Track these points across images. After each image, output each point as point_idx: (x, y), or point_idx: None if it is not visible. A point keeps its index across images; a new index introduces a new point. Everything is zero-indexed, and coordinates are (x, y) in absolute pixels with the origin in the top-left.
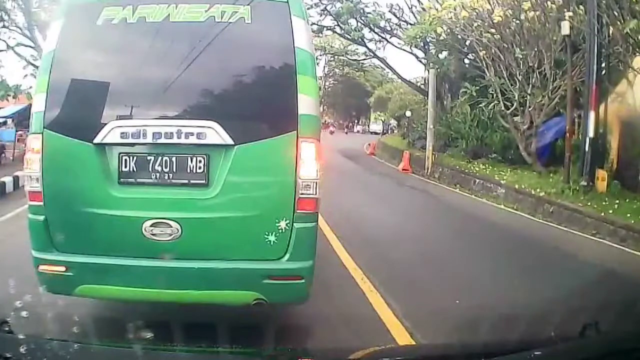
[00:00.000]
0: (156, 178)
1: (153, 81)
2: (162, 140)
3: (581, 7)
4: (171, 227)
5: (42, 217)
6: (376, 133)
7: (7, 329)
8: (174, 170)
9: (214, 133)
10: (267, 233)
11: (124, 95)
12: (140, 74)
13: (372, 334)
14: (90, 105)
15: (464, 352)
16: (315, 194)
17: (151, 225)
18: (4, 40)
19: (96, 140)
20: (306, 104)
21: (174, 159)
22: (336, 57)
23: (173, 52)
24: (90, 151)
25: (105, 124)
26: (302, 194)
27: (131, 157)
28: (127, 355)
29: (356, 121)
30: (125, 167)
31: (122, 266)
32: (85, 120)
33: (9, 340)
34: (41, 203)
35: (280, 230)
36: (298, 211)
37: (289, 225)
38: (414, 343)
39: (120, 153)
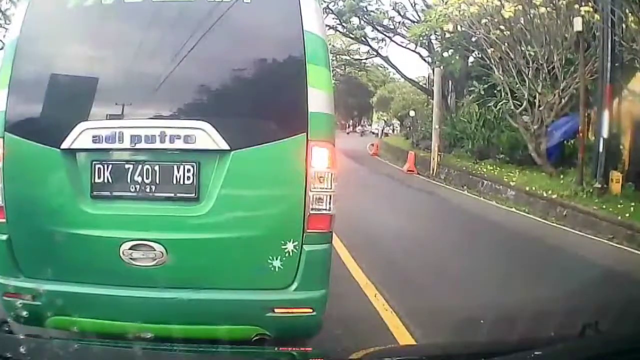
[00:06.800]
0: (136, 191)
1: (132, 74)
2: (142, 145)
3: (590, 2)
4: (154, 250)
5: (4, 237)
6: (375, 133)
7: (7, 329)
8: (157, 181)
9: (205, 136)
10: (270, 257)
11: (98, 91)
12: (117, 65)
13: (374, 335)
14: (58, 103)
15: (464, 352)
16: (330, 209)
17: (130, 248)
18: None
19: (64, 145)
20: (318, 99)
21: (156, 167)
22: (338, 56)
23: (157, 38)
24: (58, 158)
25: (75, 125)
26: (313, 209)
27: (106, 166)
28: (127, 355)
29: (358, 121)
30: (99, 177)
31: (99, 296)
32: (53, 122)
33: (9, 340)
34: (3, 220)
35: (286, 254)
36: (308, 230)
37: (297, 247)
38: (414, 343)
39: (92, 161)
